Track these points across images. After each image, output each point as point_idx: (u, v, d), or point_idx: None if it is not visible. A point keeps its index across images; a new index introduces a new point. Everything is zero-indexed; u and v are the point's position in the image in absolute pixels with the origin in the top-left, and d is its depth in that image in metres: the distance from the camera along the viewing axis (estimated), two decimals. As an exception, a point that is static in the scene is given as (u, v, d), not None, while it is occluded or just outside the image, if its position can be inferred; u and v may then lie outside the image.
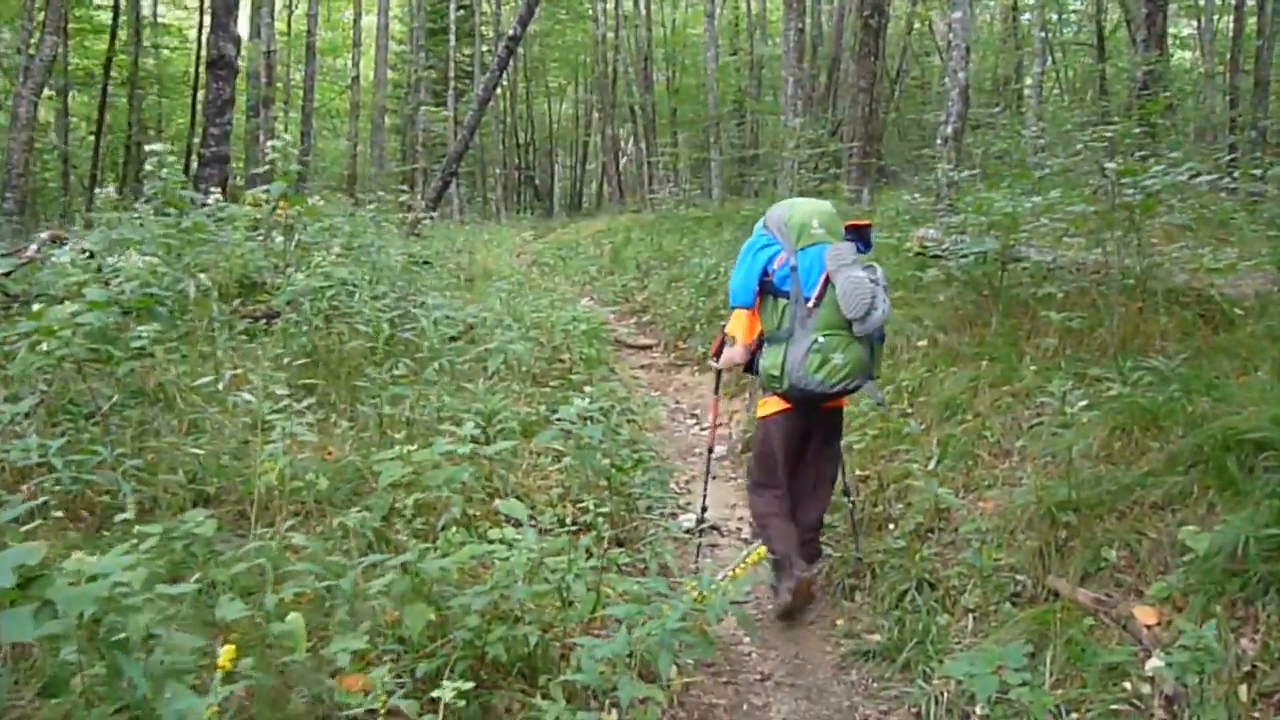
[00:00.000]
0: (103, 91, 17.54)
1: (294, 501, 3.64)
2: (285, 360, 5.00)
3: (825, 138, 18.92)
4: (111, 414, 3.86)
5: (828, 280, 3.76)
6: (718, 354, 4.35)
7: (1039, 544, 3.87)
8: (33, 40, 14.25)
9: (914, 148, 26.28)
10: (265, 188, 6.67)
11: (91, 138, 19.96)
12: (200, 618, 2.79)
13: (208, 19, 17.30)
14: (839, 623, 4.08)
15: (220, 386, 4.02)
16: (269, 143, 6.78)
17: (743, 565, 3.01)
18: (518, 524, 3.38)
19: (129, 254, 5.16)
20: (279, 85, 27.09)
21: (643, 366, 9.10)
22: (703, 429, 7.09)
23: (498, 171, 30.48)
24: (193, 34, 25.68)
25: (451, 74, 26.97)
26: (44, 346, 3.33)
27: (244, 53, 26.89)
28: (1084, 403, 4.26)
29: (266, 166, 12.33)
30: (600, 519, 3.78)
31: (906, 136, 28.11)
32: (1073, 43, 24.04)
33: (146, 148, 6.87)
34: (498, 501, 3.05)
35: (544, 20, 35.76)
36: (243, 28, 27.69)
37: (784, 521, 4.06)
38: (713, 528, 5.12)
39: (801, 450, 4.14)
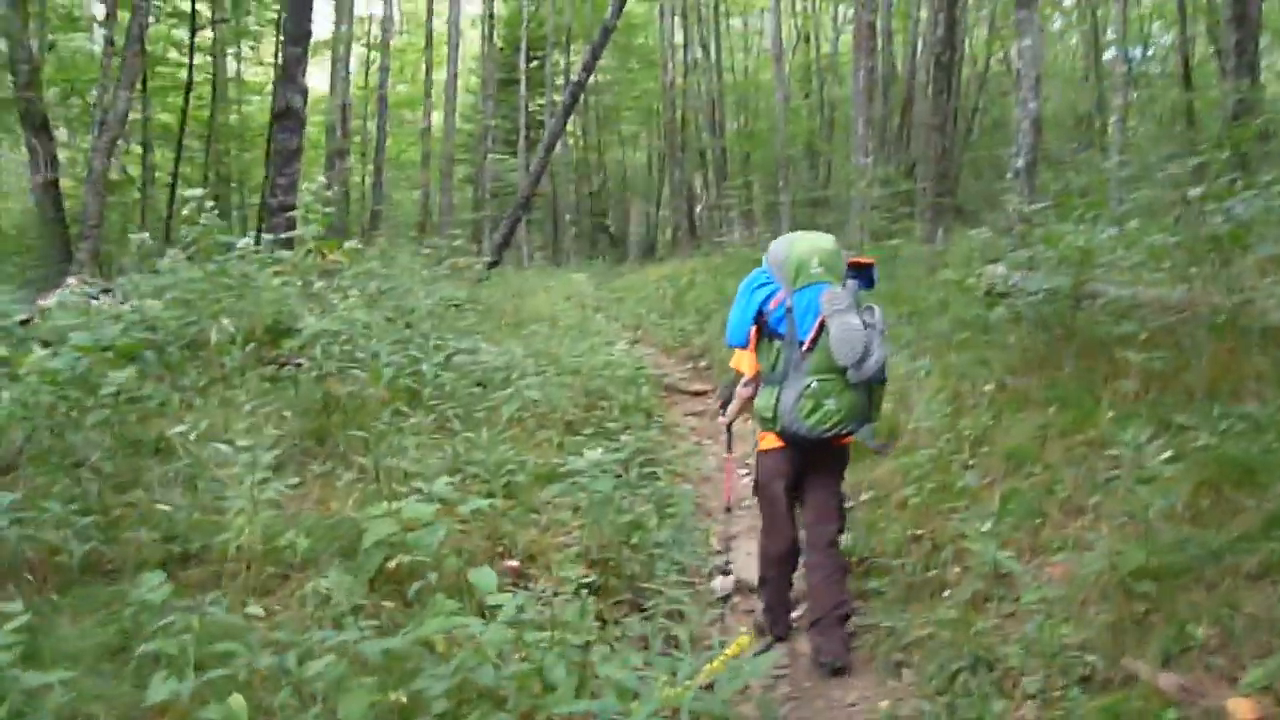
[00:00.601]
0: (178, 145, 17.99)
1: (275, 562, 3.33)
2: (297, 409, 4.76)
3: (897, 177, 18.43)
4: (95, 465, 3.63)
5: (823, 323, 3.70)
6: (723, 406, 4.38)
7: (1114, 618, 3.37)
8: (107, 96, 14.61)
9: (990, 186, 25.60)
10: (295, 232, 6.50)
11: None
12: (134, 699, 2.49)
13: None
14: (883, 705, 3.61)
15: (196, 435, 3.76)
16: (305, 186, 6.65)
17: (722, 658, 2.58)
18: (514, 586, 3.02)
19: (145, 299, 5.00)
20: (355, 138, 27.65)
21: (694, 414, 8.70)
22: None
23: (567, 218, 30.52)
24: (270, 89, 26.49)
25: (523, 123, 27.21)
26: (5, 395, 3.11)
27: (321, 105, 27.56)
28: (1167, 454, 3.75)
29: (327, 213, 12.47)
30: (615, 580, 3.41)
31: (983, 176, 27.34)
32: (1158, 75, 23.14)
33: (184, 194, 6.78)
34: (471, 571, 2.69)
35: (615, 69, 36.21)
36: (319, 81, 28.57)
37: (781, 583, 4.16)
38: (750, 589, 4.68)
39: (805, 488, 4.12)
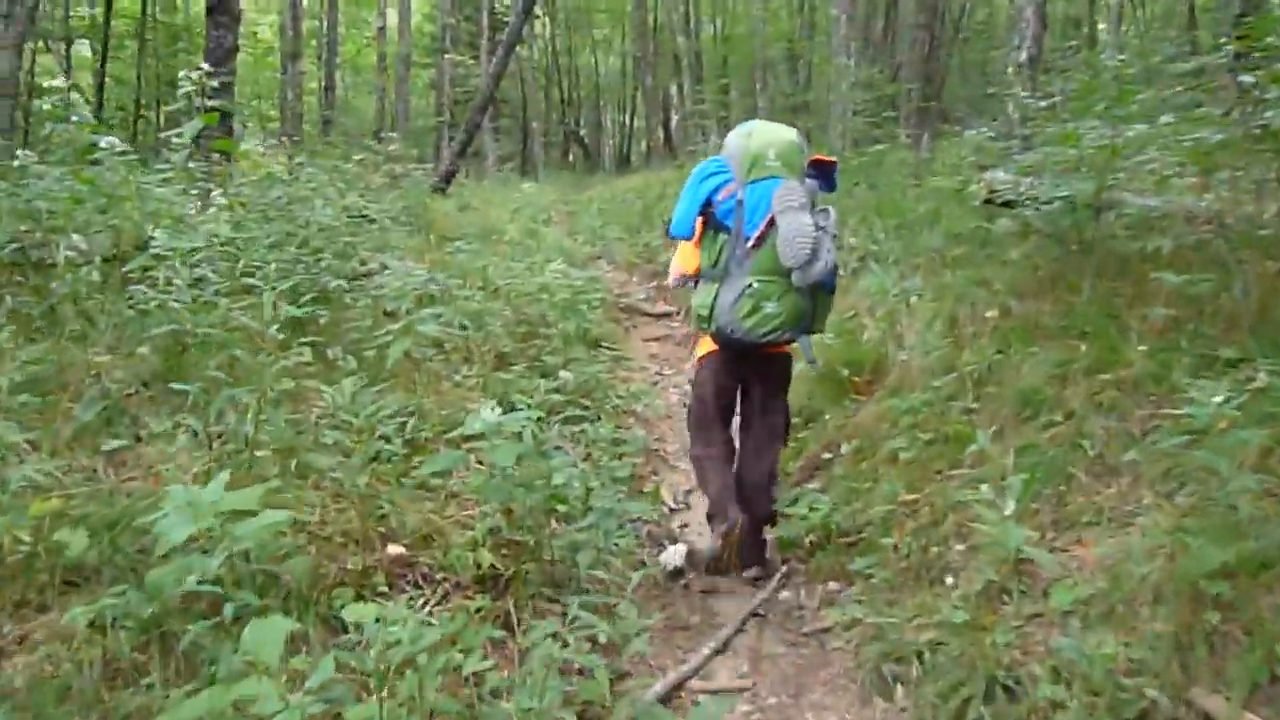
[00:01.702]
0: (104, 43, 16.52)
1: (47, 571, 2.44)
2: (155, 345, 3.82)
3: (881, 80, 17.30)
4: None
5: (772, 221, 3.51)
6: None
7: (1175, 628, 2.54)
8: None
9: (978, 91, 24.44)
10: (178, 130, 5.45)
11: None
12: None
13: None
14: (871, 734, 2.80)
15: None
16: (182, 73, 5.59)
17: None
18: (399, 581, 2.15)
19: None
20: (311, 41, 26.00)
21: (658, 338, 7.81)
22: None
23: (534, 125, 29.09)
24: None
25: (486, 23, 25.62)
26: None
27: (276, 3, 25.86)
28: (1219, 398, 2.92)
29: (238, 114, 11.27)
30: (532, 567, 2.57)
31: (969, 81, 26.11)
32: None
33: (46, 84, 5.70)
34: (252, 625, 1.81)
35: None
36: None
37: (721, 466, 3.86)
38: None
39: (744, 402, 3.98)
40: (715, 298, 3.62)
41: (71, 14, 16.94)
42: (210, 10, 13.26)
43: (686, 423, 4.16)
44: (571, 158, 38.56)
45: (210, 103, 13.20)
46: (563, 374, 4.86)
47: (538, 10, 34.39)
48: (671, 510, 4.59)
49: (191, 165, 5.87)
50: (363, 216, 5.96)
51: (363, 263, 4.84)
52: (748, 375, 3.90)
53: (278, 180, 5.59)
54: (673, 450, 5.50)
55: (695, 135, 25.47)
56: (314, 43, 26.45)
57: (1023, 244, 5.83)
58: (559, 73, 37.12)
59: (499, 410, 2.96)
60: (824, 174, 3.76)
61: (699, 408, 3.99)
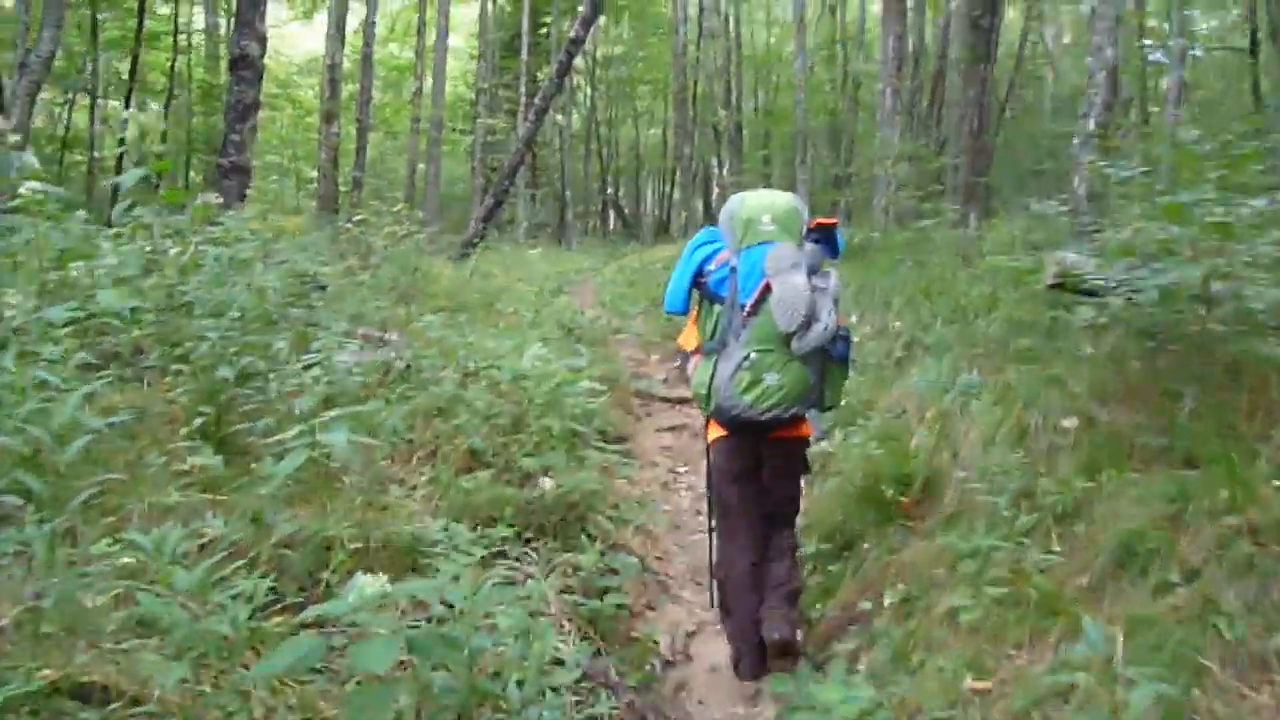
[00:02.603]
0: (126, 97, 16.24)
1: None
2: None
3: (927, 154, 16.56)
4: None
5: (768, 286, 3.27)
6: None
7: None
8: (31, 34, 12.90)
9: (1025, 169, 23.63)
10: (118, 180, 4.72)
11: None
12: None
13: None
14: None
15: None
16: (129, 113, 4.89)
17: None
18: None
19: None
20: (351, 103, 25.85)
21: (673, 428, 6.91)
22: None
23: (568, 194, 28.64)
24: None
25: (523, 91, 25.35)
26: None
27: (315, 65, 25.79)
28: None
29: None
30: None
31: (1016, 160, 25.30)
32: (1219, 46, 21.04)
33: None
34: None
35: (628, 41, 34.31)
36: (315, 41, 26.75)
37: (747, 590, 3.50)
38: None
39: (757, 485, 3.58)
40: (713, 374, 3.37)
41: (102, 68, 16.68)
42: (233, 65, 12.85)
43: (713, 525, 3.73)
44: (610, 227, 38.22)
45: (231, 159, 12.72)
46: (543, 482, 3.98)
47: (580, 80, 34.39)
48: (667, 664, 3.64)
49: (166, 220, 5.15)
50: (315, 284, 5.17)
51: (307, 341, 4.03)
52: (759, 460, 3.55)
53: (228, 239, 4.79)
54: (677, 572, 4.56)
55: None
56: (353, 105, 26.32)
57: (1103, 339, 4.91)
58: (599, 142, 36.87)
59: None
60: (826, 237, 3.48)
61: (720, 502, 3.65)
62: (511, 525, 3.81)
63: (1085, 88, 8.01)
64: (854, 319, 7.47)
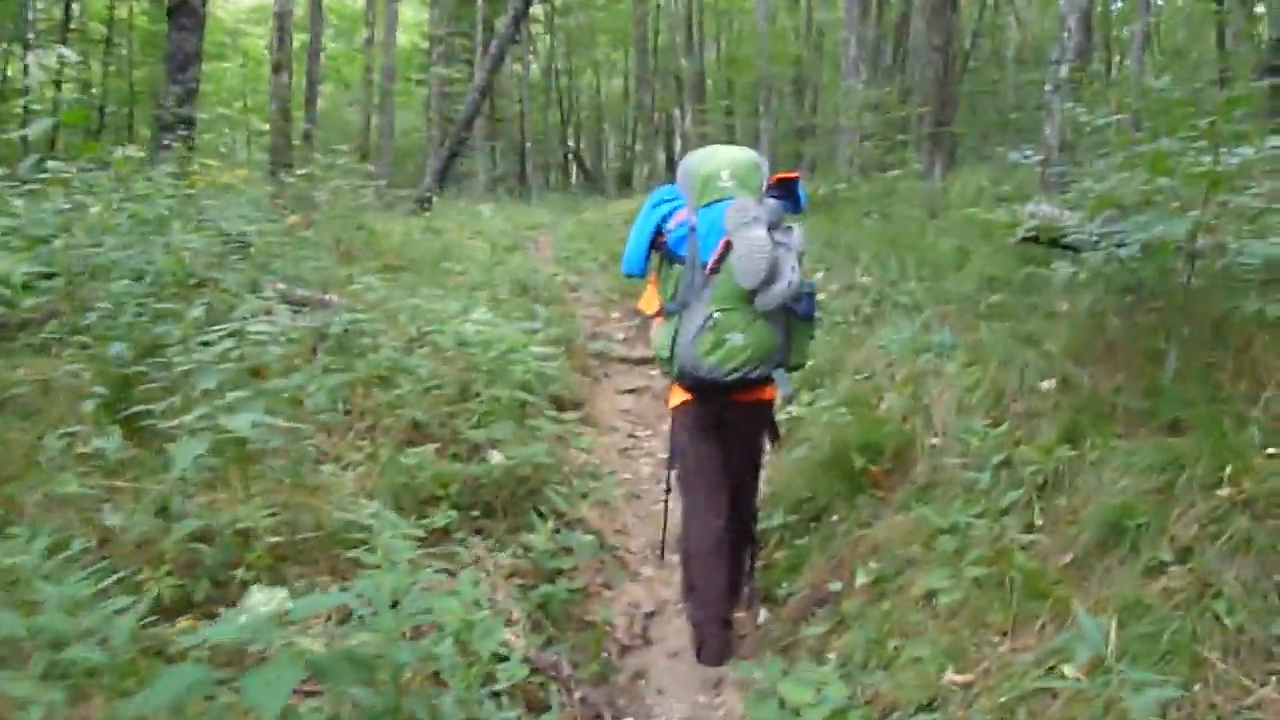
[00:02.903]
0: (61, 43, 15.48)
1: None
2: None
3: (892, 103, 16.24)
4: None
5: (729, 244, 3.14)
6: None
7: None
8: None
9: (988, 121, 23.42)
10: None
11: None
12: None
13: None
14: None
15: None
16: (32, 58, 4.48)
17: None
18: None
19: None
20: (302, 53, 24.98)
21: (634, 390, 6.65)
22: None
23: (529, 146, 28.02)
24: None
25: (480, 40, 24.61)
26: None
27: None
28: None
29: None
30: None
31: (978, 111, 25.03)
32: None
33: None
34: None
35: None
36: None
37: (710, 568, 3.32)
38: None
39: (723, 451, 3.43)
40: (675, 335, 3.23)
41: (38, 17, 15.86)
42: (172, 12, 12.24)
43: (679, 490, 3.53)
44: (573, 180, 37.60)
45: (173, 111, 12.16)
46: (490, 455, 3.70)
47: (538, 29, 33.56)
48: (624, 650, 3.40)
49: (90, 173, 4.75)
50: (240, 243, 4.81)
51: (229, 307, 3.69)
52: (724, 422, 3.40)
53: (152, 196, 4.41)
54: (637, 547, 4.32)
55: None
56: (305, 56, 25.47)
57: (1080, 295, 4.70)
58: (560, 92, 36.13)
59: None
60: (789, 192, 3.35)
61: (684, 471, 3.47)
62: (456, 504, 3.54)
63: (1057, 32, 7.72)
64: (820, 275, 7.22)
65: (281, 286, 5.36)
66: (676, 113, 31.12)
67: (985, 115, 24.64)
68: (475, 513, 3.64)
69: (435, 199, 15.49)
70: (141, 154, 4.83)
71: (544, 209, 20.77)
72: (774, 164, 16.04)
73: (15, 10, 15.53)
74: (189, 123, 12.02)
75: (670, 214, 3.33)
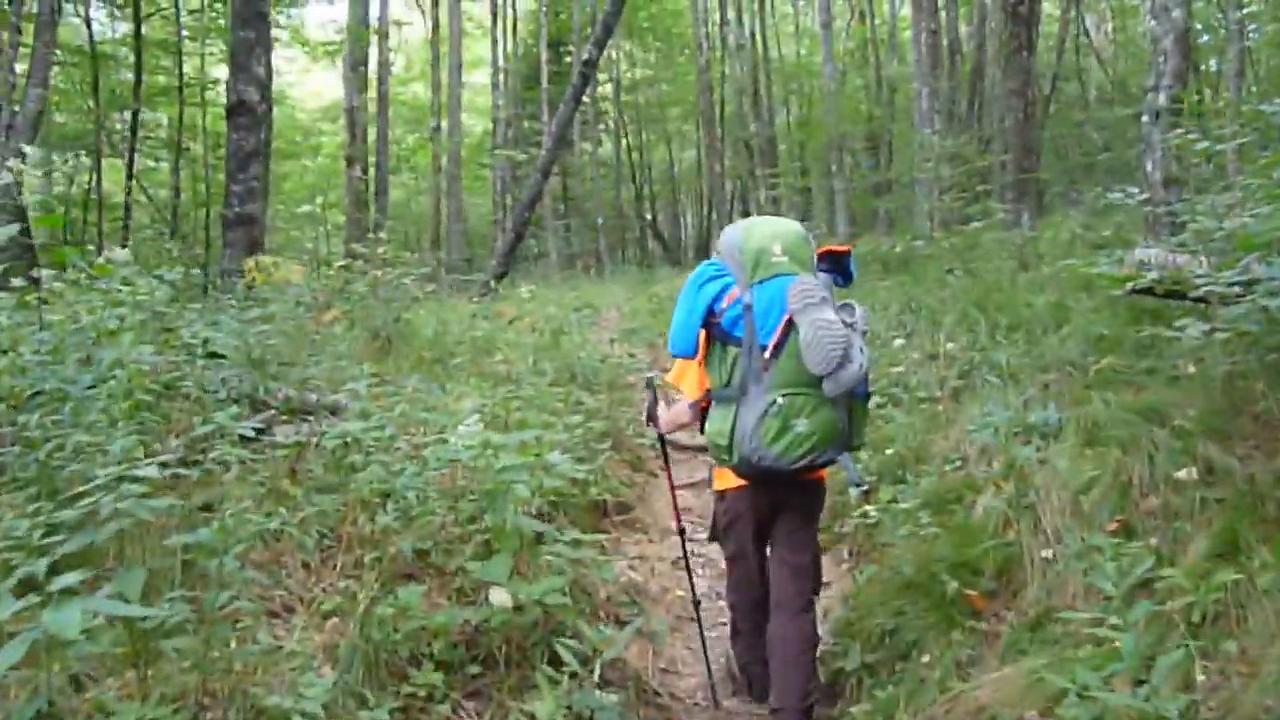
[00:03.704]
0: (130, 155, 15.76)
1: None
2: None
3: (970, 152, 15.45)
4: None
5: (790, 323, 2.95)
6: (650, 418, 3.62)
7: None
8: (16, 94, 12.38)
9: (1076, 165, 22.35)
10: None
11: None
12: None
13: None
14: None
15: None
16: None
17: None
18: None
19: None
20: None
21: (692, 484, 5.92)
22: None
23: (600, 221, 27.81)
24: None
25: (545, 120, 24.67)
26: None
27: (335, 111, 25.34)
28: None
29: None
30: None
31: (1063, 157, 23.94)
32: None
33: None
34: None
35: (655, 65, 33.64)
36: (336, 87, 26.42)
37: (757, 609, 3.30)
38: None
39: (773, 532, 3.28)
40: (734, 423, 3.01)
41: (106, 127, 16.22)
42: (230, 113, 12.25)
43: (725, 585, 3.56)
44: (648, 252, 37.41)
45: (235, 210, 12.07)
46: (493, 596, 3.03)
47: (607, 105, 33.74)
48: None
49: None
50: (211, 354, 4.30)
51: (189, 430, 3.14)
52: (775, 509, 3.25)
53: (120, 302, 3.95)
54: (687, 689, 3.59)
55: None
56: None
57: (1213, 359, 3.88)
58: (632, 167, 36.17)
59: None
60: (838, 265, 3.24)
61: (733, 557, 3.39)
62: (447, 662, 2.87)
63: (1150, 58, 6.91)
64: (899, 342, 6.45)
65: (290, 393, 4.87)
66: (750, 179, 30.74)
67: (1071, 159, 23.54)
68: (473, 669, 2.97)
69: (498, 282, 15.17)
70: (128, 257, 4.36)
71: (616, 284, 20.36)
72: (851, 222, 15.25)
73: (99, 124, 15.96)
74: (251, 221, 11.97)
75: (722, 292, 3.11)
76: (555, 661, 3.04)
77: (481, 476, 3.29)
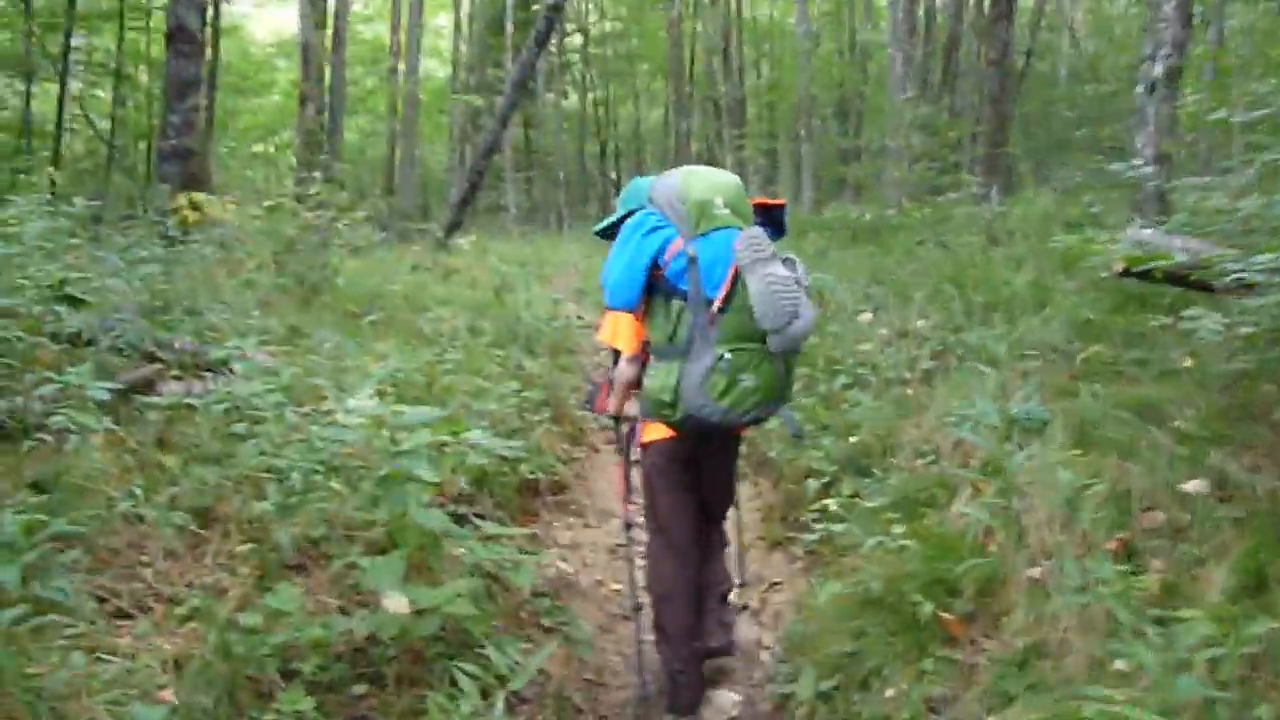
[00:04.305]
0: (61, 79, 14.81)
1: None
2: None
3: (943, 122, 15.02)
4: None
5: (736, 277, 2.86)
6: (590, 401, 3.35)
7: None
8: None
9: (1046, 143, 22.04)
10: None
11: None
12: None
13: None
14: None
15: None
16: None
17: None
18: None
19: None
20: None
21: (636, 461, 5.46)
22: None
23: (561, 175, 27.10)
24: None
25: (510, 67, 23.84)
26: None
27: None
28: None
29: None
30: None
31: (1030, 134, 23.56)
32: None
33: None
34: None
35: (626, 18, 32.75)
36: (294, 22, 25.28)
37: (685, 610, 3.12)
38: None
39: (696, 491, 3.23)
40: (679, 378, 2.91)
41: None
42: (170, 38, 11.40)
43: (646, 527, 3.31)
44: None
45: (173, 142, 11.30)
46: (386, 603, 2.54)
47: (574, 57, 32.86)
48: None
49: None
50: (65, 298, 3.74)
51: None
52: (700, 454, 3.18)
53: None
54: (614, 703, 3.14)
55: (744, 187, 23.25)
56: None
57: (1209, 352, 3.48)
58: (598, 123, 35.39)
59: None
60: (772, 219, 3.17)
61: (657, 511, 3.20)
62: (324, 682, 2.39)
63: (1148, 22, 6.47)
64: (866, 317, 6.02)
65: (189, 345, 4.32)
66: (716, 140, 30.14)
67: (1039, 137, 23.21)
68: (358, 688, 2.50)
69: (451, 234, 14.53)
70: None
71: (576, 241, 19.76)
72: (818, 188, 14.67)
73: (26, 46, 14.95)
74: (188, 154, 11.19)
75: (666, 244, 2.95)
76: (457, 679, 2.57)
77: (378, 459, 2.77)
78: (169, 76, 11.59)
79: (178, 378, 3.90)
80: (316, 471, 2.82)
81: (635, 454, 3.27)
